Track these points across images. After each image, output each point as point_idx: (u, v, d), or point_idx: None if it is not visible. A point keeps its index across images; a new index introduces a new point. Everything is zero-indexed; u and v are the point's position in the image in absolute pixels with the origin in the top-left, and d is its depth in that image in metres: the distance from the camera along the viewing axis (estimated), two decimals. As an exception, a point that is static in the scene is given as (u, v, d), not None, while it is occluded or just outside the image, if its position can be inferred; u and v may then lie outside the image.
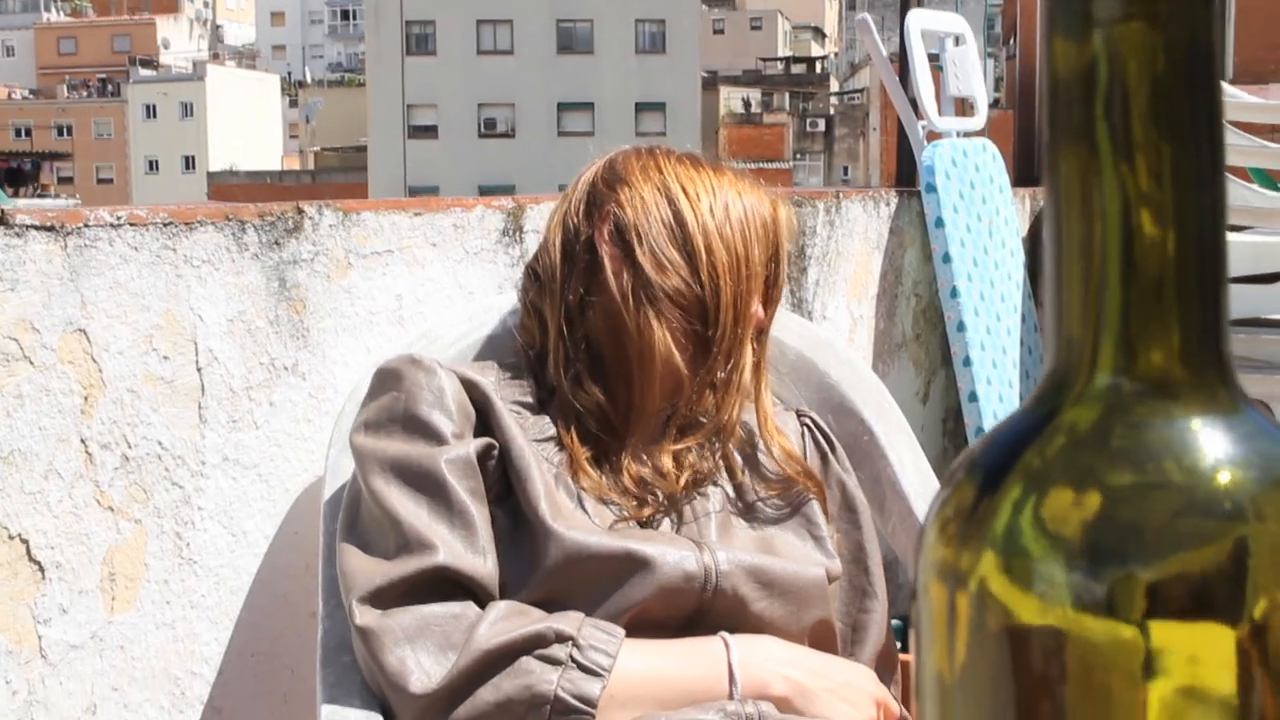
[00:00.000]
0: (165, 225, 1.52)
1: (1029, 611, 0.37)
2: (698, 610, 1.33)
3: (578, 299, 1.43)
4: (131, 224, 1.49)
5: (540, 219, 1.88)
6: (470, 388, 1.40)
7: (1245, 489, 0.35)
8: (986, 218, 3.03)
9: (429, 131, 44.40)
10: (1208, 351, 0.35)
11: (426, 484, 1.32)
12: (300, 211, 1.66)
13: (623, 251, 1.42)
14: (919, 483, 1.70)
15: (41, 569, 1.44)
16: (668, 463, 1.42)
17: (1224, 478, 0.35)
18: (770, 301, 1.49)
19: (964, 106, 3.23)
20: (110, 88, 71.64)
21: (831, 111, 53.94)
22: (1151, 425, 0.35)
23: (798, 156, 50.13)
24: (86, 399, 1.46)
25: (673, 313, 1.40)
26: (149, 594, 1.55)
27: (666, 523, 1.40)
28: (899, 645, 1.58)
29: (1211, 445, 0.35)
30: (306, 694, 1.49)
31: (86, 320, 1.45)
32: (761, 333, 1.50)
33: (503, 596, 1.31)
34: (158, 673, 1.56)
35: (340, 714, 1.29)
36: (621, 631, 1.27)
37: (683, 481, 1.41)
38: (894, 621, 1.58)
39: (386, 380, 1.41)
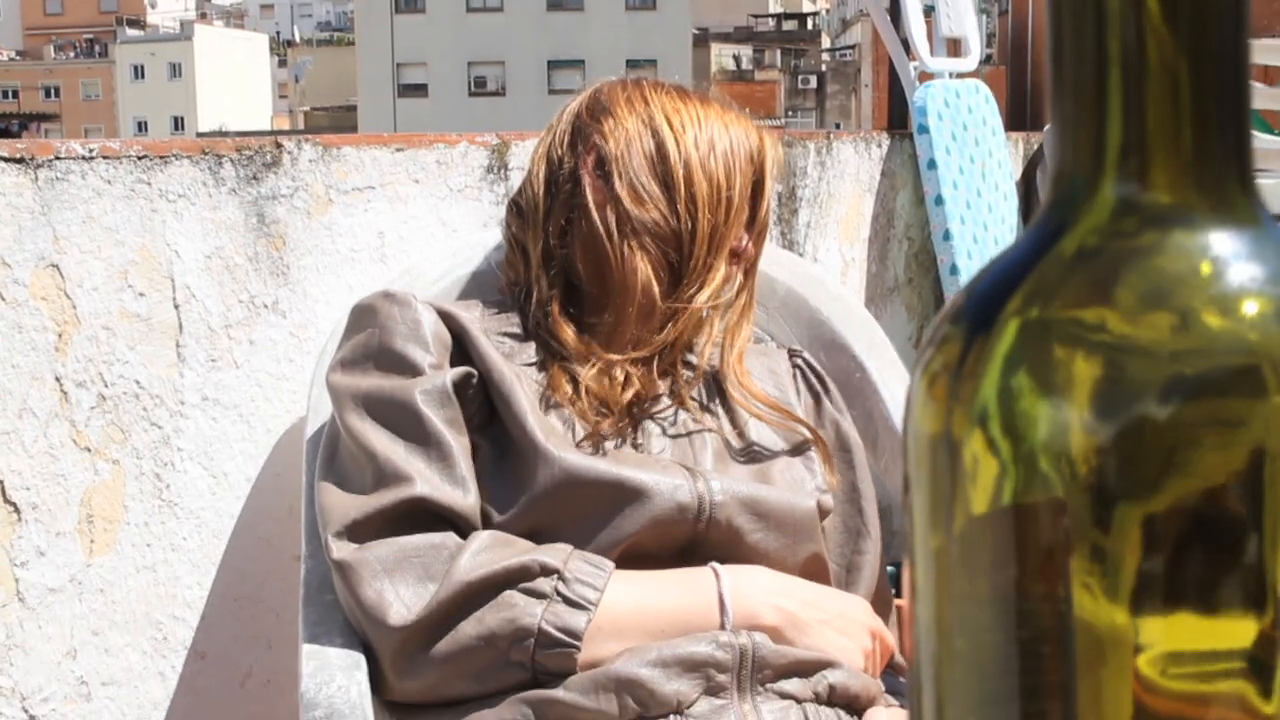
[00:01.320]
0: (139, 158, 1.48)
1: (1023, 486, 0.34)
2: (691, 541, 1.30)
3: (559, 230, 1.41)
4: (104, 157, 1.45)
5: (525, 156, 1.85)
6: (447, 319, 1.37)
7: (1270, 346, 0.31)
8: (979, 160, 2.99)
9: (419, 90, 44.18)
10: (1228, 152, 0.32)
11: (402, 417, 1.29)
12: (279, 146, 1.63)
13: (605, 183, 1.39)
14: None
15: (17, 510, 1.41)
16: (619, 375, 1.39)
17: (1248, 313, 0.31)
18: (757, 236, 1.45)
19: (956, 48, 3.18)
20: (97, 48, 71.21)
21: (823, 68, 53.66)
22: (1166, 251, 0.31)
23: (789, 113, 49.95)
24: (60, 336, 1.43)
25: (652, 245, 1.37)
26: (128, 536, 1.52)
27: (660, 446, 1.37)
28: (893, 591, 1.55)
29: (1233, 280, 0.31)
30: (290, 638, 1.47)
31: (59, 255, 1.42)
32: (750, 267, 1.47)
33: (490, 526, 1.29)
34: (139, 617, 1.53)
35: (321, 653, 1.26)
36: (610, 564, 1.24)
37: (629, 394, 1.37)
38: (889, 568, 1.55)
39: (362, 317, 1.38)
